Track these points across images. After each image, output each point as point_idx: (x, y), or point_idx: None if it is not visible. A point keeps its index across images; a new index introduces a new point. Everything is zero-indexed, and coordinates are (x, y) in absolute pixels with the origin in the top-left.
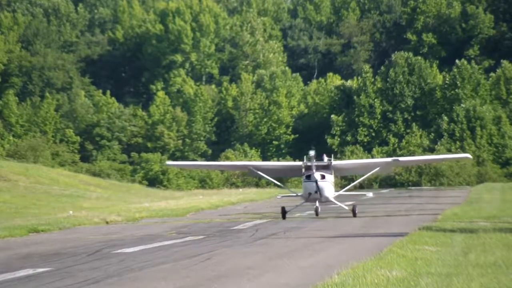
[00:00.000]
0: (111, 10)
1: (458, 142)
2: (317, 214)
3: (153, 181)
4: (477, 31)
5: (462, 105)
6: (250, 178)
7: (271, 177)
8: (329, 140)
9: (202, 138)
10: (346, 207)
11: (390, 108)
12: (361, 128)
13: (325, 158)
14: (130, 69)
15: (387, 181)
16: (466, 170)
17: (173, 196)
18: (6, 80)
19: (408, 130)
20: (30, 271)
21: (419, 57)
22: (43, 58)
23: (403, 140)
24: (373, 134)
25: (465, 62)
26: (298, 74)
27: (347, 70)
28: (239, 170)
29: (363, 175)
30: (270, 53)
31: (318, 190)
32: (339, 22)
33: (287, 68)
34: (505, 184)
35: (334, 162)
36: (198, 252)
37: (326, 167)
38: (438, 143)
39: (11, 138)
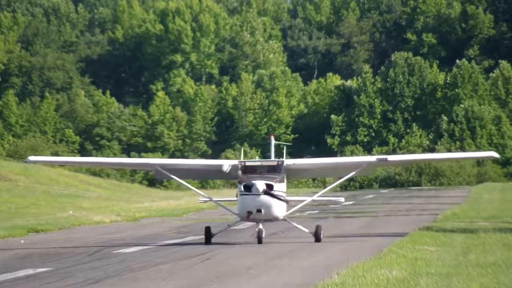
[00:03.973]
0: (111, 10)
1: (458, 142)
2: (260, 241)
3: (153, 181)
4: (477, 31)
5: (461, 105)
6: None
7: (186, 180)
8: (329, 140)
9: (202, 138)
10: (306, 229)
11: (390, 108)
12: (361, 128)
13: (272, 141)
14: (130, 69)
15: (387, 181)
16: (466, 170)
17: (173, 196)
18: (6, 80)
19: (408, 130)
20: (30, 271)
21: (419, 57)
22: (43, 58)
23: (403, 140)
24: (373, 134)
25: (465, 62)
26: (298, 74)
27: (347, 70)
28: (144, 169)
29: (337, 179)
30: (270, 53)
31: (262, 208)
32: (339, 22)
33: (287, 68)
34: (505, 184)
35: (288, 162)
36: (198, 252)
37: (275, 169)
38: (438, 143)
39: (11, 138)
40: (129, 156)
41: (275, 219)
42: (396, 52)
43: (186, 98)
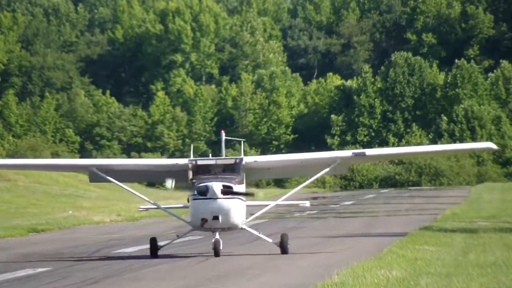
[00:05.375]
0: (111, 10)
1: (458, 142)
2: (217, 253)
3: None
4: (477, 31)
5: (461, 105)
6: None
7: (128, 183)
8: (329, 140)
9: (202, 138)
10: (269, 239)
11: (390, 108)
12: (361, 128)
13: (223, 136)
14: (130, 69)
15: (387, 181)
16: (466, 170)
17: (172, 196)
18: (6, 80)
19: (408, 130)
20: (30, 271)
21: (419, 57)
22: (43, 58)
23: (403, 140)
24: (373, 134)
25: (465, 62)
26: (298, 74)
27: (347, 70)
28: (80, 172)
29: (305, 178)
30: (270, 53)
31: (220, 214)
32: (339, 22)
33: (287, 68)
34: (505, 184)
35: (248, 159)
36: (198, 252)
37: (232, 169)
38: (438, 143)
39: (11, 138)
40: (129, 156)
41: (235, 227)
42: (396, 52)
43: (186, 98)
